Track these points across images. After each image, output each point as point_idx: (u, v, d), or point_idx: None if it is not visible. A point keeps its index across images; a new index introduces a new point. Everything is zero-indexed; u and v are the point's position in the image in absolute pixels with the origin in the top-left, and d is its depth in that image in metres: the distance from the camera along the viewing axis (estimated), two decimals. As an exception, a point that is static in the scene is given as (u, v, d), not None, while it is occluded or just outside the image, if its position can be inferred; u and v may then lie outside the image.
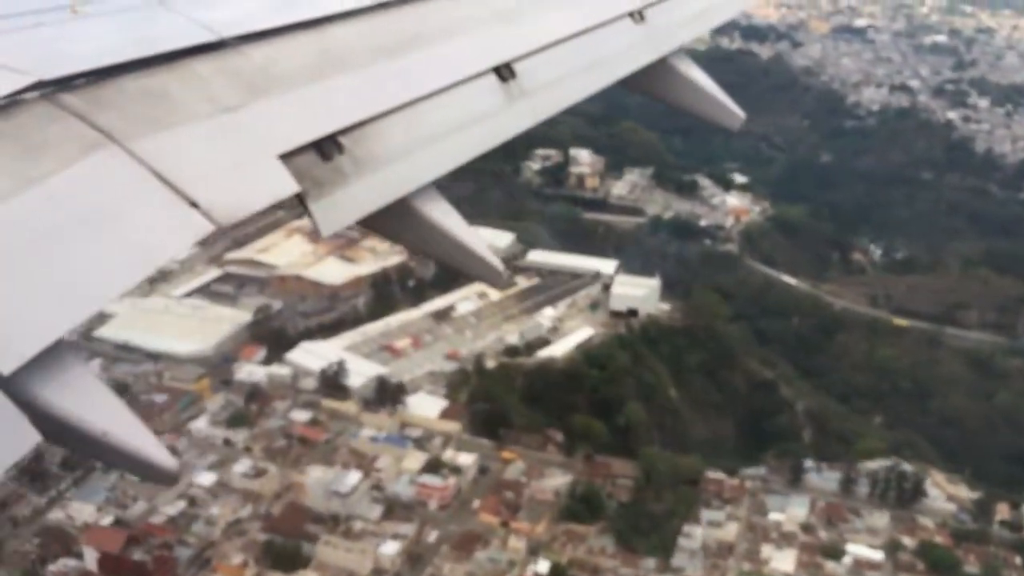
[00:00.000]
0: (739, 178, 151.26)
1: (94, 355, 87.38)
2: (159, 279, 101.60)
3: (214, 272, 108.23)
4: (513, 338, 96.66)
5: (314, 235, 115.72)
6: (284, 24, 3.81)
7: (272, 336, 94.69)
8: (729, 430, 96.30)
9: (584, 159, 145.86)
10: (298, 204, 3.40)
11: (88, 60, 3.12)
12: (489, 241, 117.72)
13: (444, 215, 3.92)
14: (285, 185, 3.26)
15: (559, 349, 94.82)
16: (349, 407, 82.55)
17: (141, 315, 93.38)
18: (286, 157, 3.32)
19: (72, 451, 2.71)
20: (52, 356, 2.52)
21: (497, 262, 4.04)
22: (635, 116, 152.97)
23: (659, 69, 5.48)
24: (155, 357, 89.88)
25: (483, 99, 4.20)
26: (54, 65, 3.05)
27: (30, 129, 2.85)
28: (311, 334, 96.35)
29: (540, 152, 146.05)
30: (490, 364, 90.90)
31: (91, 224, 2.73)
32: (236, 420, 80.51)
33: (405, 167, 3.75)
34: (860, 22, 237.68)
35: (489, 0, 4.77)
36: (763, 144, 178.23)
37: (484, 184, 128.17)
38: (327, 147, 3.49)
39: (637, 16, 5.36)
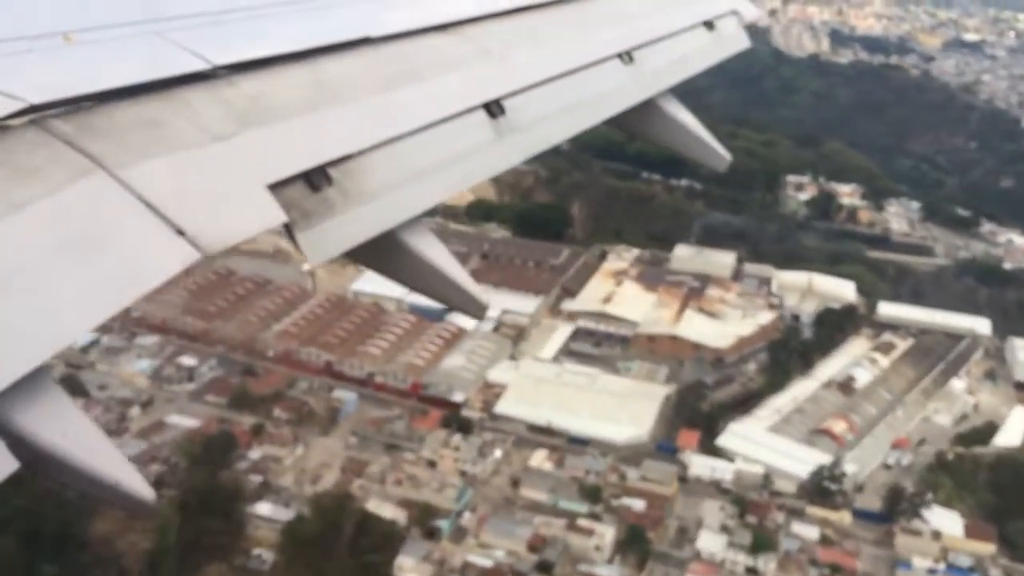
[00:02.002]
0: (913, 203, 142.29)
1: (507, 436, 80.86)
2: (517, 337, 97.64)
3: (566, 328, 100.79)
4: (941, 419, 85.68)
5: (648, 281, 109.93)
6: (276, 55, 3.85)
7: (693, 414, 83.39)
8: None
9: (843, 189, 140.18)
10: (286, 234, 3.43)
11: (80, 87, 3.14)
12: (833, 291, 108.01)
13: (429, 247, 3.94)
14: (273, 215, 3.28)
15: (1011, 436, 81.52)
16: (843, 517, 68.49)
17: (535, 386, 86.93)
18: (275, 187, 3.34)
19: (51, 479, 2.69)
20: (33, 383, 2.50)
21: (481, 294, 4.05)
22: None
23: (647, 109, 5.55)
24: (581, 442, 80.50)
25: (472, 135, 4.24)
26: (45, 91, 3.06)
27: (19, 154, 2.85)
28: (722, 410, 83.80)
29: (792, 179, 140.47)
30: (934, 452, 77.75)
31: (77, 250, 2.72)
32: (757, 542, 64.45)
33: (393, 200, 3.77)
34: (970, 36, 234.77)
35: (481, 38, 4.83)
36: (925, 165, 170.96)
37: (748, 215, 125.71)
38: (316, 178, 3.51)
39: (626, 57, 5.44)
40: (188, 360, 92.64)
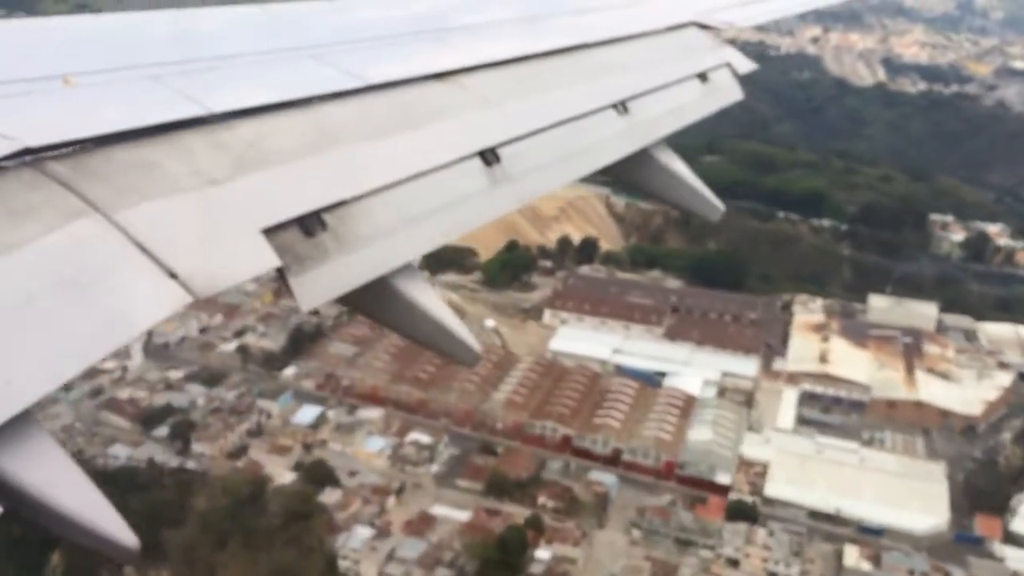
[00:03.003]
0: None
1: (782, 523, 72.85)
2: (745, 402, 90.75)
3: (791, 392, 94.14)
4: None
5: (853, 336, 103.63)
6: (274, 102, 3.87)
7: (979, 494, 75.26)
8: None
9: (991, 228, 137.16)
10: (280, 279, 3.42)
11: (77, 129, 3.15)
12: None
13: (422, 294, 3.94)
14: (266, 259, 3.28)
15: None
16: None
17: (800, 465, 79.57)
18: (269, 232, 3.35)
19: (34, 524, 2.65)
20: (19, 427, 2.48)
21: (474, 342, 4.04)
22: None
23: (640, 159, 5.60)
24: (874, 531, 72.79)
25: (468, 182, 4.26)
26: (42, 133, 3.07)
27: (13, 195, 2.86)
28: (999, 488, 75.33)
29: (936, 218, 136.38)
30: None
31: (68, 291, 2.71)
32: None
33: (387, 246, 3.78)
34: (1018, 64, 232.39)
35: (477, 86, 4.87)
36: (1008, 198, 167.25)
37: (901, 258, 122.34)
38: (311, 224, 3.52)
39: (621, 107, 5.50)
40: (420, 437, 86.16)
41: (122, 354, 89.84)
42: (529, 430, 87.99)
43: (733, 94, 6.88)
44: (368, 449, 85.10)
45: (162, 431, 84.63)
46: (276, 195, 3.50)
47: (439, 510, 76.16)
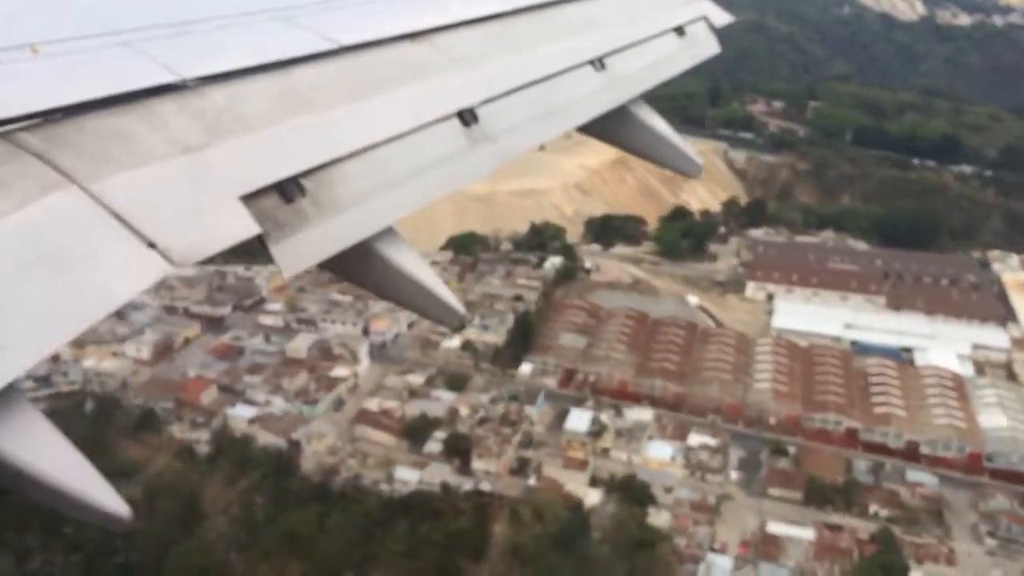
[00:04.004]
0: None
1: None
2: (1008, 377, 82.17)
3: None
4: None
5: None
6: (247, 66, 3.83)
7: None
8: None
9: None
10: (260, 246, 3.40)
11: (47, 99, 3.10)
12: None
13: (404, 257, 3.93)
14: (246, 227, 3.26)
15: None
16: None
17: None
18: (248, 199, 3.32)
19: (23, 496, 2.66)
20: (4, 400, 2.47)
21: (457, 303, 4.04)
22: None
23: (619, 116, 5.58)
24: None
25: (446, 143, 4.23)
26: (12, 104, 3.03)
27: None
28: None
29: None
30: None
31: (46, 264, 2.70)
32: None
33: (367, 209, 3.76)
34: None
35: (452, 46, 4.83)
36: None
37: None
38: (289, 189, 3.49)
39: (598, 64, 5.47)
40: (704, 439, 76.54)
41: (348, 359, 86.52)
42: (808, 424, 78.12)
43: (710, 47, 6.85)
44: (657, 456, 75.25)
45: (431, 446, 75.87)
46: (253, 161, 3.47)
47: (780, 529, 66.65)
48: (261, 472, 72.56)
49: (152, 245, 2.93)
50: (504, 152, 4.40)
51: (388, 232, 3.89)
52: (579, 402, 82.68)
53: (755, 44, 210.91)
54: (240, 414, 79.29)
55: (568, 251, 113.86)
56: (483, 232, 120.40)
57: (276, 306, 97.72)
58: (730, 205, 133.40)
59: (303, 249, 3.45)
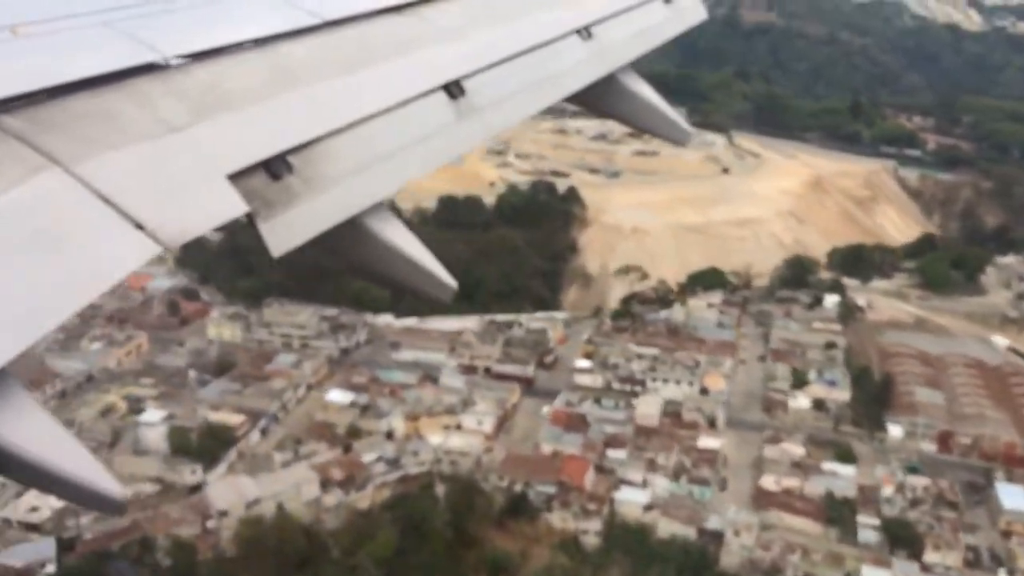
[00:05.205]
0: None
1: None
2: None
3: None
4: None
5: None
6: (230, 43, 3.80)
7: None
8: None
9: None
10: (248, 225, 3.39)
11: (30, 81, 3.08)
12: None
13: (394, 232, 3.91)
14: (234, 206, 3.24)
15: None
16: None
17: None
18: (235, 177, 3.30)
19: (15, 481, 2.68)
20: None
21: (448, 277, 4.02)
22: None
23: (607, 85, 5.56)
24: None
25: (433, 116, 4.21)
26: (-7, 86, 2.99)
27: None
28: None
29: None
30: None
31: (33, 248, 2.68)
32: None
33: (356, 185, 3.74)
34: None
35: (437, 18, 4.79)
36: None
37: None
38: (276, 167, 3.47)
39: (584, 33, 5.43)
40: None
41: (703, 424, 76.71)
42: None
43: (697, 14, 6.82)
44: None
45: (866, 534, 64.22)
46: (239, 139, 3.44)
47: None
48: (672, 568, 61.41)
49: (139, 226, 2.91)
50: (492, 125, 4.39)
51: (378, 208, 3.87)
52: (967, 469, 72.71)
53: (829, 57, 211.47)
54: (630, 498, 68.64)
55: (839, 288, 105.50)
56: (712, 265, 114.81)
57: (584, 362, 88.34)
58: (969, 231, 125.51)
59: (292, 227, 3.43)
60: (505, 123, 4.47)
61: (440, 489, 69.01)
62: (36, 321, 2.58)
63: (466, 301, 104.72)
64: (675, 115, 6.01)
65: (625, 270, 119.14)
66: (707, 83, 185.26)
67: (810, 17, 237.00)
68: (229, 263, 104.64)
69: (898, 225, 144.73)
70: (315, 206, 3.53)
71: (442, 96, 4.29)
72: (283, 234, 3.39)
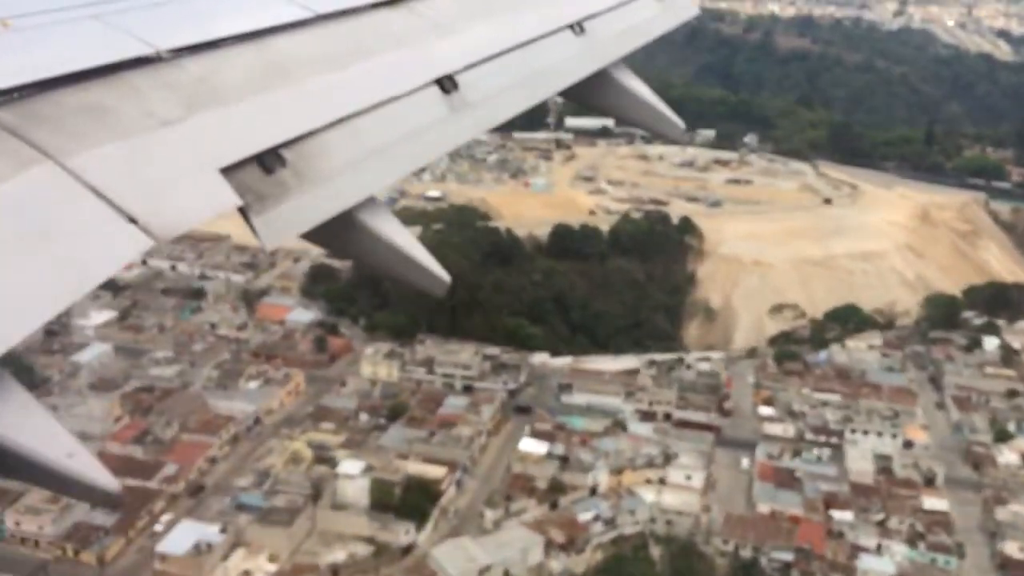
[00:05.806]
0: None
1: None
2: None
3: None
4: None
5: None
6: (223, 36, 3.81)
7: None
8: None
9: None
10: (240, 218, 3.38)
11: (21, 74, 3.07)
12: None
13: (387, 226, 3.92)
14: (226, 199, 3.24)
15: None
16: None
17: None
18: (227, 171, 3.31)
19: (13, 479, 2.65)
20: None
21: (441, 271, 4.03)
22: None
23: (600, 80, 5.55)
24: None
25: (426, 111, 4.21)
26: (-16, 79, 2.98)
27: None
28: None
29: None
30: None
31: (26, 243, 2.68)
32: None
33: (348, 179, 3.75)
34: None
35: (430, 12, 4.80)
36: None
37: None
38: (269, 160, 3.48)
39: (577, 28, 5.43)
40: None
41: (919, 482, 72.06)
42: None
43: (689, 10, 6.78)
44: None
45: None
46: (232, 133, 3.45)
47: None
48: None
49: (132, 220, 2.91)
50: (485, 120, 4.38)
51: (371, 202, 3.87)
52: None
53: (868, 85, 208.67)
54: (875, 567, 63.58)
55: (995, 329, 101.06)
56: (840, 301, 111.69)
57: (767, 410, 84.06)
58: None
59: (285, 221, 3.43)
60: (498, 118, 4.48)
61: (654, 551, 65.05)
62: (29, 316, 2.57)
63: (586, 335, 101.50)
64: (668, 111, 5.97)
65: (779, 308, 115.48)
66: (769, 109, 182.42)
67: (843, 44, 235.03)
68: (364, 295, 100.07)
69: (1001, 260, 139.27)
70: (308, 200, 3.53)
71: (435, 90, 4.29)
72: (275, 227, 3.39)
